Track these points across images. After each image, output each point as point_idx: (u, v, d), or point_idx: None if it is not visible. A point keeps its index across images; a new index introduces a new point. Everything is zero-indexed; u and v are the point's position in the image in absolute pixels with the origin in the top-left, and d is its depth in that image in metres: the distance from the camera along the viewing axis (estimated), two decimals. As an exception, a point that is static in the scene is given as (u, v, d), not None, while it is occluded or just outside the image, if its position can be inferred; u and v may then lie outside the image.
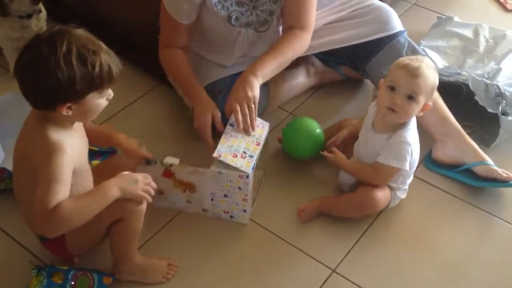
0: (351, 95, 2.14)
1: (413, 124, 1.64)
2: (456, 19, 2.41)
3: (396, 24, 1.93)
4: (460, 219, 1.76)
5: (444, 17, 2.43)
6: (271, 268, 1.60)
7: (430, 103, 1.61)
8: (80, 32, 1.28)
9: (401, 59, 1.62)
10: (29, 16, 2.09)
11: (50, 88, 1.24)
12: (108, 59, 1.28)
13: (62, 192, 1.27)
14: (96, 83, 1.27)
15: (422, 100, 1.58)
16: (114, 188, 1.34)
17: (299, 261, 1.62)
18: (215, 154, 1.58)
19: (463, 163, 1.84)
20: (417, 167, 1.71)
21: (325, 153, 1.75)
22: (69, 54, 1.23)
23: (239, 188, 1.62)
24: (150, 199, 1.41)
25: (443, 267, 1.63)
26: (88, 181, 1.46)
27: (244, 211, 1.68)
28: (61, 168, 1.28)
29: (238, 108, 1.66)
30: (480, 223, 1.76)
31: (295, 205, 1.74)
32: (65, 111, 1.28)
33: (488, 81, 1.94)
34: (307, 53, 1.93)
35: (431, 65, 1.60)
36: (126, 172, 1.39)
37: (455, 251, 1.67)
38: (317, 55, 2.07)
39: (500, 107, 1.90)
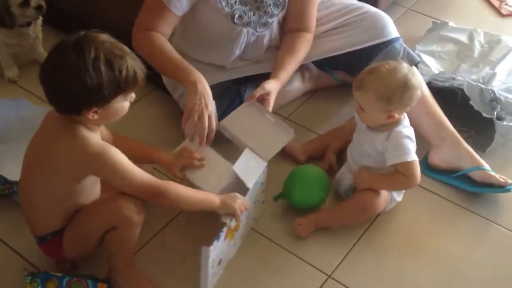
0: (346, 100, 2.13)
1: (406, 121, 1.64)
2: (451, 24, 2.41)
3: (392, 30, 1.93)
4: (457, 225, 1.76)
5: (439, 22, 2.44)
6: (267, 274, 1.60)
7: (396, 114, 1.58)
8: (105, 37, 1.31)
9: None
10: (28, 24, 2.09)
11: (78, 93, 1.26)
12: (133, 63, 1.32)
13: (136, 169, 1.36)
14: (122, 87, 1.31)
15: (370, 110, 1.58)
16: (217, 197, 1.46)
17: (295, 267, 1.62)
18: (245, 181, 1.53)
19: (460, 168, 1.84)
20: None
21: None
22: (97, 60, 1.26)
23: (262, 183, 1.62)
24: (242, 216, 1.50)
25: (439, 273, 1.63)
26: (98, 189, 1.49)
27: (263, 202, 1.68)
28: (118, 156, 1.34)
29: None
30: (477, 228, 1.75)
31: (291, 211, 1.74)
32: (91, 115, 1.31)
33: (483, 86, 1.95)
34: (305, 62, 1.94)
35: (386, 76, 1.55)
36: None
37: (451, 256, 1.67)
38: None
39: (495, 112, 1.90)
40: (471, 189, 1.82)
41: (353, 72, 2.02)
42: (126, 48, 1.33)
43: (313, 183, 1.72)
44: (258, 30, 1.86)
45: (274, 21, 1.87)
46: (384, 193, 1.68)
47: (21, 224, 1.59)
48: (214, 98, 1.73)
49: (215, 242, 1.42)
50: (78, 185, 1.40)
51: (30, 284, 1.44)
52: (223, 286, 1.56)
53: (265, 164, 1.59)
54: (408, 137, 1.62)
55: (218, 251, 1.46)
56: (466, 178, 1.83)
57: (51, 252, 1.50)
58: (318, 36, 1.96)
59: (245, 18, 1.80)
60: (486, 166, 1.81)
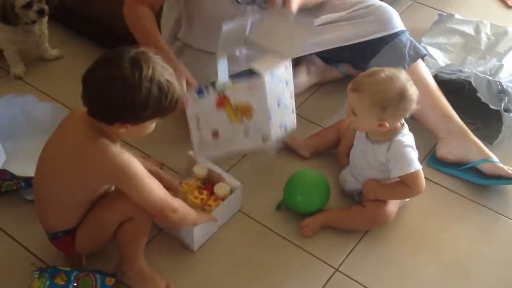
0: (352, 94, 2.13)
1: (405, 128, 1.62)
2: (457, 16, 2.40)
3: (397, 23, 1.92)
4: (465, 218, 1.75)
5: (445, 14, 2.43)
6: (274, 268, 1.60)
7: (387, 124, 1.54)
8: (158, 59, 1.31)
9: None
10: (33, 22, 2.10)
11: (122, 106, 1.26)
12: (179, 90, 1.32)
13: (155, 184, 1.37)
14: (163, 112, 1.32)
15: (362, 115, 1.55)
16: (195, 214, 1.51)
17: (302, 260, 1.62)
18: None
19: (468, 160, 1.83)
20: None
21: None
22: (151, 82, 1.26)
23: (287, 83, 1.58)
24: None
25: (446, 266, 1.62)
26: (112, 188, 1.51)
27: (293, 111, 1.63)
28: (139, 170, 1.34)
29: None
30: (485, 221, 1.75)
31: (298, 204, 1.74)
32: (121, 129, 1.31)
33: (490, 78, 1.94)
34: (309, 52, 1.92)
35: (385, 82, 1.51)
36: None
37: (460, 249, 1.67)
38: (318, 54, 2.07)
39: (502, 104, 1.89)
40: (480, 181, 1.81)
41: (358, 65, 2.02)
42: (173, 72, 1.33)
43: (312, 191, 1.69)
44: (263, 6, 1.83)
45: None
46: (394, 202, 1.67)
47: (29, 220, 1.60)
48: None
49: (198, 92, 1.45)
50: (98, 190, 1.42)
51: (39, 279, 1.45)
52: (231, 280, 1.57)
53: (286, 60, 1.56)
54: (409, 146, 1.59)
55: (202, 111, 1.47)
56: (474, 170, 1.82)
57: (63, 248, 1.51)
58: (323, 27, 1.94)
59: None
60: (494, 158, 1.80)
